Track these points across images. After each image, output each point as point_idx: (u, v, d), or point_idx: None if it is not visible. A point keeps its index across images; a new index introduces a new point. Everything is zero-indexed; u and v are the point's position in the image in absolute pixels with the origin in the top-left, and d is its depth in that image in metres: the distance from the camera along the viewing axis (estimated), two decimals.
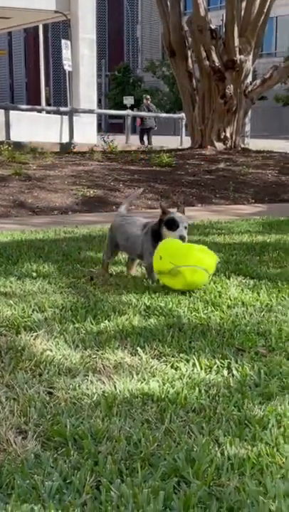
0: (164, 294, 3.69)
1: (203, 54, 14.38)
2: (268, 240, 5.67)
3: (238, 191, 10.02)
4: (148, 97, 25.66)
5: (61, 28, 49.74)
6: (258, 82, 15.47)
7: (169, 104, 45.69)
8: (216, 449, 1.90)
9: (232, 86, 14.45)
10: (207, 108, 14.91)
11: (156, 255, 3.70)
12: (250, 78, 15.40)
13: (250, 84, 15.25)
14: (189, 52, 15.15)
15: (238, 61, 14.29)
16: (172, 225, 3.76)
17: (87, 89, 21.47)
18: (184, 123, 20.96)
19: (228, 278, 4.12)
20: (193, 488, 1.66)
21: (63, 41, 20.97)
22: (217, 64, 14.30)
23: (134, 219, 4.17)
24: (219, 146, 14.80)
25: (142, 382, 2.40)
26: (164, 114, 30.54)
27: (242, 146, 15.51)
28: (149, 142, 23.06)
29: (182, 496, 1.63)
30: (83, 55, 21.20)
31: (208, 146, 14.75)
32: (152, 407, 2.18)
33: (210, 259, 3.73)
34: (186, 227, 3.81)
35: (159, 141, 22.60)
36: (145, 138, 23.85)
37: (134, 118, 24.53)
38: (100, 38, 44.63)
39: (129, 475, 1.74)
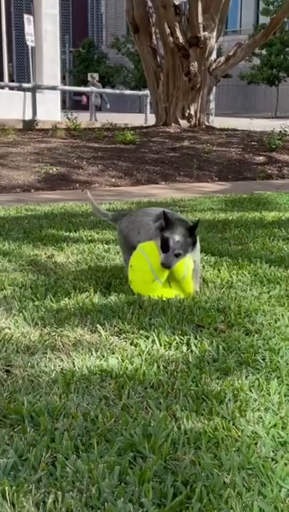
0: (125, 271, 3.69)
1: (167, 30, 14.30)
2: (230, 218, 5.69)
3: (202, 169, 10.03)
4: (94, 75, 25.64)
5: (24, 3, 48.85)
6: (222, 59, 15.45)
7: (134, 81, 45.36)
8: (173, 423, 1.91)
9: (196, 63, 14.41)
10: (171, 85, 14.86)
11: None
12: (214, 55, 15.37)
13: (215, 61, 15.22)
14: (153, 29, 15.03)
15: (202, 38, 14.24)
16: (163, 245, 3.10)
17: (50, 65, 21.13)
18: (148, 100, 20.82)
19: None
20: (149, 463, 1.67)
21: (26, 16, 20.57)
22: (181, 41, 14.22)
23: (142, 212, 3.63)
24: (183, 123, 14.77)
25: (100, 359, 2.40)
26: (129, 91, 30.32)
27: (206, 123, 15.52)
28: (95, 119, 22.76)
29: (138, 471, 1.64)
30: (46, 31, 20.83)
31: (173, 124, 14.73)
32: (110, 384, 2.18)
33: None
34: (178, 255, 3.09)
35: (123, 119, 22.48)
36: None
37: (78, 95, 24.25)
38: (64, 13, 43.97)
39: (85, 451, 1.74)
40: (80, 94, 30.26)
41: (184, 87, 14.61)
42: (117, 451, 1.74)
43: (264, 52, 38.89)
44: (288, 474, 1.66)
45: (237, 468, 1.67)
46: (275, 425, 1.91)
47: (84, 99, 24.20)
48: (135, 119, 20.80)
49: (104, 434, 1.84)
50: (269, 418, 1.95)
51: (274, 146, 11.70)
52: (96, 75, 31.31)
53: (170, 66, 14.74)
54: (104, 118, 17.70)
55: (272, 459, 1.74)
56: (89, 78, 25.48)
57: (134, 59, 42.21)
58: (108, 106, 24.01)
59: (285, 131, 12.53)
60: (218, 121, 17.72)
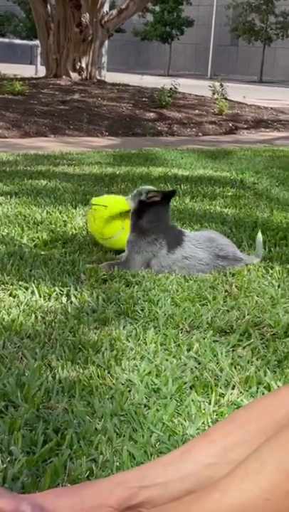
0: (8, 223, 3.61)
1: None
2: (118, 172, 5.67)
3: (92, 123, 9.91)
4: None
5: None
6: (114, 12, 15.19)
7: (25, 30, 43.87)
8: (48, 373, 1.89)
9: (88, 14, 14.08)
10: (62, 36, 14.46)
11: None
12: (106, 8, 15.08)
13: (107, 14, 14.95)
14: None
15: None
16: None
17: None
18: (39, 51, 20.21)
19: (75, 208, 4.08)
20: (21, 411, 1.65)
21: None
22: None
23: None
24: (74, 76, 14.47)
25: None
26: (19, 41, 29.32)
27: (98, 77, 15.29)
28: None
29: (8, 420, 1.61)
30: None
31: (63, 76, 14.39)
32: None
33: None
34: None
35: (13, 69, 21.77)
36: None
37: None
38: None
39: None
40: None
41: (75, 39, 14.27)
42: None
43: (157, 8, 38.67)
44: (159, 420, 1.69)
45: (109, 415, 1.68)
46: (149, 373, 1.94)
47: None
48: (26, 70, 20.17)
49: None
50: (144, 366, 1.98)
51: (164, 103, 11.72)
52: None
53: (61, 16, 14.31)
54: None
55: (145, 405, 1.76)
56: None
57: (26, 7, 40.64)
58: None
59: (176, 88, 12.55)
60: (111, 77, 17.50)
